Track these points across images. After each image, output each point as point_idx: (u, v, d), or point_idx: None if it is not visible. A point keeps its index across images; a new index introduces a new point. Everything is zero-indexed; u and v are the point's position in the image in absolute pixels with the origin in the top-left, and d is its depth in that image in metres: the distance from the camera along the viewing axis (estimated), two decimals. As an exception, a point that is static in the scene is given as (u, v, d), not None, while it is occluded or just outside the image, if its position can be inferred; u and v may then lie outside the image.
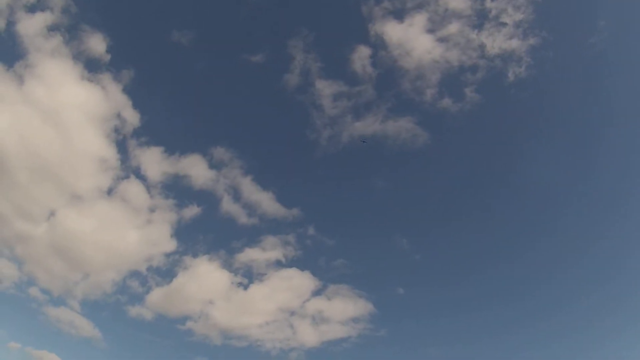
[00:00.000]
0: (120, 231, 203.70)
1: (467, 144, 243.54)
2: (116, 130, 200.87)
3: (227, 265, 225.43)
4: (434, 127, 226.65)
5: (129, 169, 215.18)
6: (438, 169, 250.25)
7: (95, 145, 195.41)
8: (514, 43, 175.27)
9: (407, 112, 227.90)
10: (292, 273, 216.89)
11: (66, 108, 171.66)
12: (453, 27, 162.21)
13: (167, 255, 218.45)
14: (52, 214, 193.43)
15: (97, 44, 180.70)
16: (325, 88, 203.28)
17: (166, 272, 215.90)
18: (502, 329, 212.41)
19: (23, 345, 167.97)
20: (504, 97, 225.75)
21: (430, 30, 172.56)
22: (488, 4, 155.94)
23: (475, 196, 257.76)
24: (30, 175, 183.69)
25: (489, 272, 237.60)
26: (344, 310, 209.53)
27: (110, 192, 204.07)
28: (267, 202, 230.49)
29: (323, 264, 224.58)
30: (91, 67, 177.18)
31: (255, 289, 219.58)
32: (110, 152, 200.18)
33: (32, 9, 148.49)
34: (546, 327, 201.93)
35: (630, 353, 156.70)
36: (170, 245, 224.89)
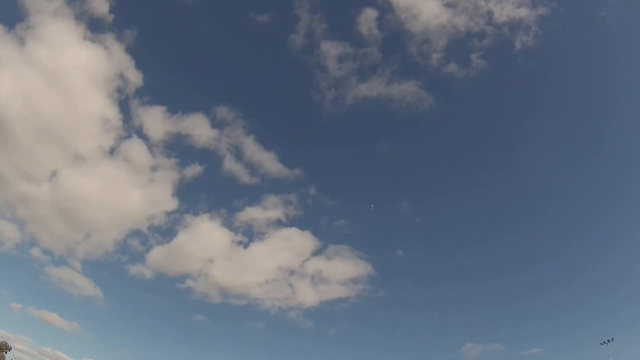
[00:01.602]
0: (122, 191, 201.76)
1: (472, 110, 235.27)
2: (119, 90, 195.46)
3: (228, 224, 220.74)
4: (439, 92, 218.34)
5: (131, 129, 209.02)
6: (442, 133, 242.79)
7: (98, 106, 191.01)
8: (523, 12, 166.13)
9: (412, 75, 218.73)
10: (293, 232, 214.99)
11: (68, 69, 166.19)
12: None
13: (169, 214, 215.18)
14: (54, 174, 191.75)
15: (99, 4, 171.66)
16: (330, 49, 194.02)
17: (167, 231, 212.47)
18: (502, 298, 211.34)
19: (24, 305, 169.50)
20: (510, 65, 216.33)
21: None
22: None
23: (479, 163, 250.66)
24: (33, 137, 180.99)
25: (491, 239, 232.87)
26: (343, 270, 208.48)
27: (112, 152, 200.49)
28: (269, 162, 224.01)
29: (324, 224, 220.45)
30: (94, 27, 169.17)
31: (256, 248, 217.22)
32: (112, 112, 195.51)
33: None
34: (547, 299, 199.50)
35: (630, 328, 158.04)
36: (172, 204, 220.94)
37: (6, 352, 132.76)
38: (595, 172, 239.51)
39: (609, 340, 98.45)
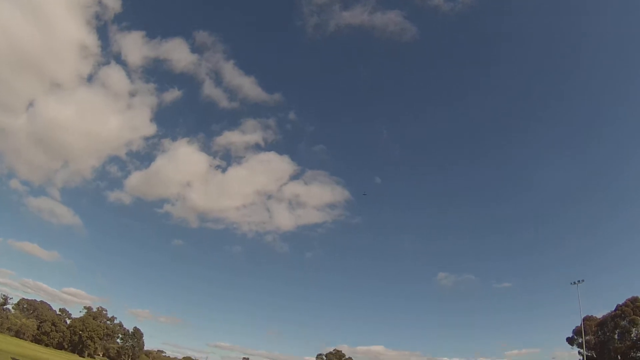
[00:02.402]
0: (100, 117, 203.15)
1: (456, 44, 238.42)
2: (97, 16, 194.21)
3: (206, 148, 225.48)
4: (423, 23, 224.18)
5: (110, 55, 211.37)
6: (424, 65, 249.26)
7: (76, 33, 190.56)
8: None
9: (396, 5, 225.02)
10: (271, 157, 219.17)
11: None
12: None
13: (147, 139, 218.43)
14: (31, 104, 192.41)
15: None
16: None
17: (145, 156, 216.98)
18: (477, 231, 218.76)
19: (4, 238, 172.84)
20: (497, 2, 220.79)
21: None
22: None
23: (459, 93, 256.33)
24: (8, 68, 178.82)
25: (470, 171, 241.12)
26: (320, 195, 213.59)
27: (90, 78, 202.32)
28: (249, 86, 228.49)
29: (302, 149, 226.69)
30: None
31: (234, 172, 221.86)
32: (90, 39, 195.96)
33: None
34: (522, 237, 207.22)
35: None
36: (150, 129, 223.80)
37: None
38: (577, 104, 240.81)
39: (579, 281, 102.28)
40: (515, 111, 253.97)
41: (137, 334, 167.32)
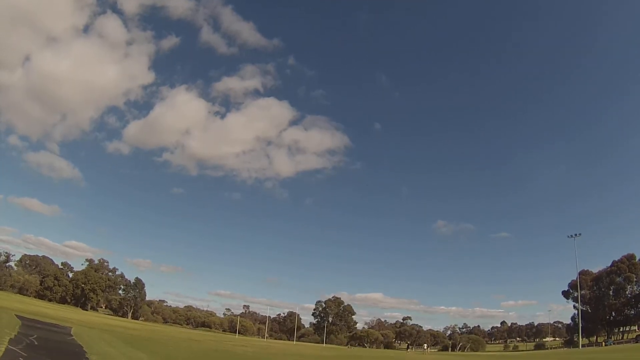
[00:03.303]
0: (97, 68, 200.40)
1: None
2: None
3: (205, 95, 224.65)
4: None
5: (106, 4, 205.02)
6: (429, 10, 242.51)
7: None
8: None
9: None
10: (270, 102, 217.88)
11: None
12: None
13: (145, 87, 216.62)
14: (27, 59, 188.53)
15: None
16: None
17: (143, 105, 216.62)
18: (477, 181, 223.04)
19: (5, 195, 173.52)
20: None
21: None
22: None
23: (464, 41, 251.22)
24: (2, 23, 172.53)
25: (471, 122, 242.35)
26: (320, 141, 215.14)
27: (86, 29, 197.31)
28: (247, 31, 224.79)
29: (302, 94, 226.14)
30: None
31: (233, 118, 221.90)
32: None
33: None
34: (522, 190, 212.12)
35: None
36: (148, 77, 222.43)
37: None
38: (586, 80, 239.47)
39: (576, 235, 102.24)
40: (528, 61, 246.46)
41: (138, 285, 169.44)
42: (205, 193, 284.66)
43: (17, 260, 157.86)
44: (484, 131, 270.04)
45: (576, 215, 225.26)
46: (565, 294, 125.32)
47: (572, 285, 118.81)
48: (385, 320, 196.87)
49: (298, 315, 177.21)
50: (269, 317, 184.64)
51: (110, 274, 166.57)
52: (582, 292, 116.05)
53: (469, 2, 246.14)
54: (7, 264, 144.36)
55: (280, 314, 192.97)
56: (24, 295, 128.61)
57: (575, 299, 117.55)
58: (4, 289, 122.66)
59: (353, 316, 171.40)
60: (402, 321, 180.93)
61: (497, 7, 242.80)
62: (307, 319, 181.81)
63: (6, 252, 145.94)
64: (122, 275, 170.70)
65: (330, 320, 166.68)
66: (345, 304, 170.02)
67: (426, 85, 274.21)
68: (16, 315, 38.67)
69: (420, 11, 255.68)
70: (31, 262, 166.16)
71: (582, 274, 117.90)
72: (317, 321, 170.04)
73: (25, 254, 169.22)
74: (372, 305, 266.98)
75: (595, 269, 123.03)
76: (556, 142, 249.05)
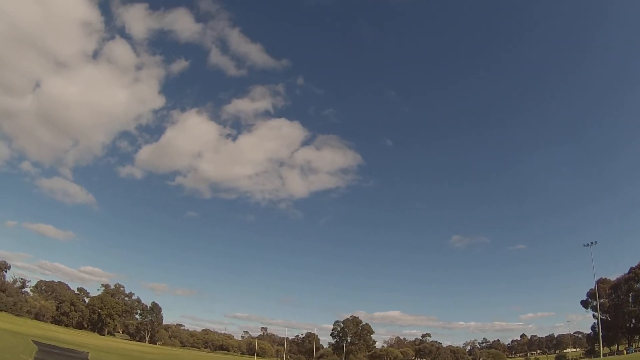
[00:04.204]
0: (107, 93, 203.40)
1: (467, 2, 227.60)
2: None
3: (215, 117, 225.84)
4: None
5: (114, 30, 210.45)
6: (433, 23, 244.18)
7: (78, 10, 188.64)
8: None
9: None
10: (281, 123, 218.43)
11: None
12: None
13: (156, 111, 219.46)
14: (37, 85, 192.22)
15: None
16: None
17: (155, 129, 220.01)
18: (493, 193, 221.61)
19: (19, 221, 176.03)
20: None
21: None
22: None
23: (471, 52, 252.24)
24: (11, 49, 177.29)
25: (483, 134, 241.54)
26: (332, 160, 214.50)
27: (95, 55, 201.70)
28: (255, 53, 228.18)
29: (312, 113, 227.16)
30: None
31: (244, 140, 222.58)
32: (93, 15, 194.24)
33: None
34: (537, 200, 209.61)
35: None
36: (159, 101, 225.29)
37: (6, 271, 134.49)
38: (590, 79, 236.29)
39: (592, 243, 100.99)
40: (536, 67, 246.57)
41: (155, 309, 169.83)
42: (219, 216, 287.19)
43: (33, 286, 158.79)
44: (491, 139, 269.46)
45: (590, 220, 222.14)
46: (584, 304, 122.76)
47: (591, 295, 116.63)
48: (404, 338, 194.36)
49: (316, 335, 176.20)
50: (287, 338, 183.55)
51: (126, 298, 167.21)
52: (601, 300, 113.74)
53: (473, 12, 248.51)
54: (23, 290, 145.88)
55: (298, 335, 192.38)
56: (40, 321, 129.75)
57: (594, 308, 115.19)
58: (20, 314, 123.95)
59: (372, 335, 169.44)
60: (421, 338, 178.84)
61: (501, 12, 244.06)
62: (326, 339, 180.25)
63: (22, 278, 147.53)
64: (138, 300, 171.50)
65: (349, 340, 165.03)
66: (364, 322, 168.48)
67: (436, 99, 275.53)
68: (33, 341, 39.39)
69: (426, 21, 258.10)
70: (47, 288, 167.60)
71: (600, 282, 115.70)
72: (336, 341, 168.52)
73: (41, 280, 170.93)
74: (390, 323, 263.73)
75: (612, 277, 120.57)
76: (565, 145, 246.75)
